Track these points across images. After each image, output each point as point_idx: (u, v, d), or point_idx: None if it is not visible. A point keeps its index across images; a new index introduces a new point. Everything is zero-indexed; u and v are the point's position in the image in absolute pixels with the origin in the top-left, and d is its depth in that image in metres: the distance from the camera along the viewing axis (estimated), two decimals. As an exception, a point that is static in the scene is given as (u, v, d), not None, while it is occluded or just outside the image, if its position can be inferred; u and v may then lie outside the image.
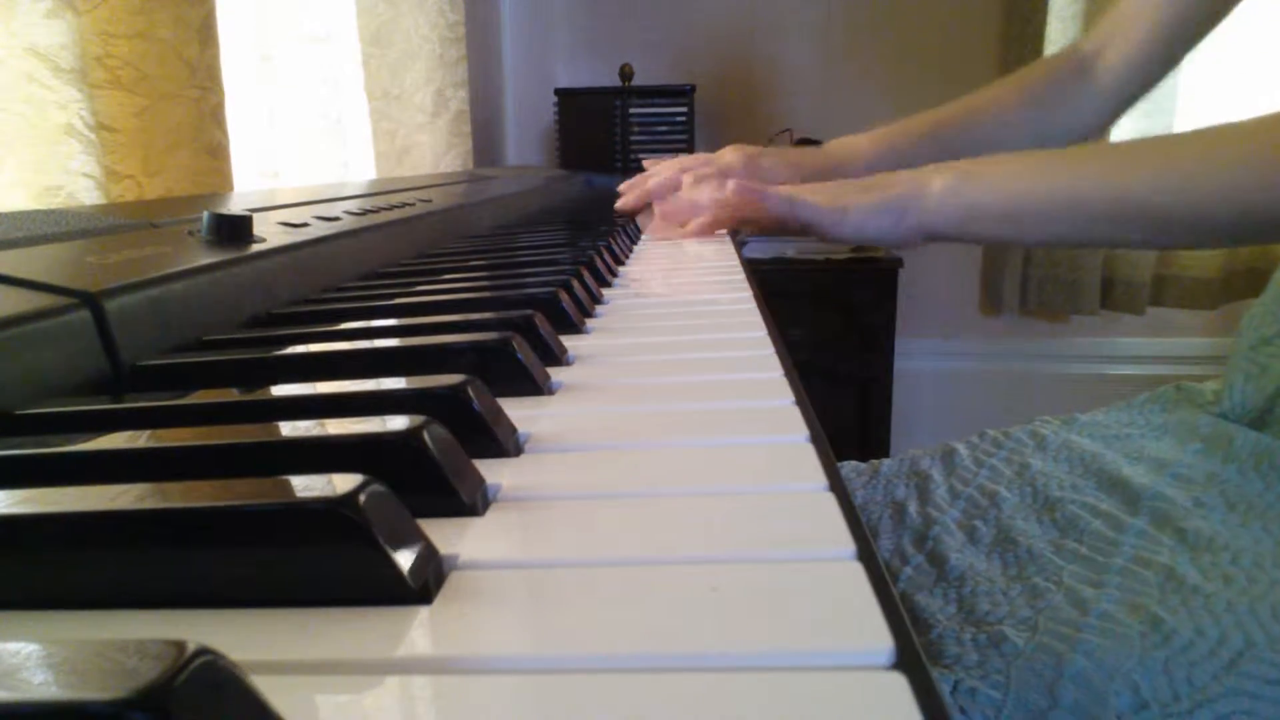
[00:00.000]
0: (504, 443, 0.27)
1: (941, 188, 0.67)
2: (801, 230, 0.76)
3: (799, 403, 0.31)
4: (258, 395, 0.29)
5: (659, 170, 0.99)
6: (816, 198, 0.73)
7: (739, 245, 0.81)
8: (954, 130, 0.89)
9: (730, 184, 0.79)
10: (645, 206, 1.01)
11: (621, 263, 0.71)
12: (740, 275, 0.61)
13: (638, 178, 1.03)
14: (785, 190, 0.75)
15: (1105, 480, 0.59)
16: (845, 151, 0.95)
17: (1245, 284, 1.99)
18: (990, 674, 0.45)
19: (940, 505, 0.62)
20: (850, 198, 0.72)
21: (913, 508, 0.63)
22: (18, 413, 0.28)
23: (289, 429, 0.25)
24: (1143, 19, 0.79)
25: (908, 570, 0.56)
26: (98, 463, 0.24)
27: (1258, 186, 0.52)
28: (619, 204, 1.01)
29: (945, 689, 0.45)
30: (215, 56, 0.78)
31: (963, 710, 0.44)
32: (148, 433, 0.26)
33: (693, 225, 0.85)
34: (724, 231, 0.88)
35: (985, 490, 0.62)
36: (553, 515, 0.23)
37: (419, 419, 0.23)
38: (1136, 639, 0.43)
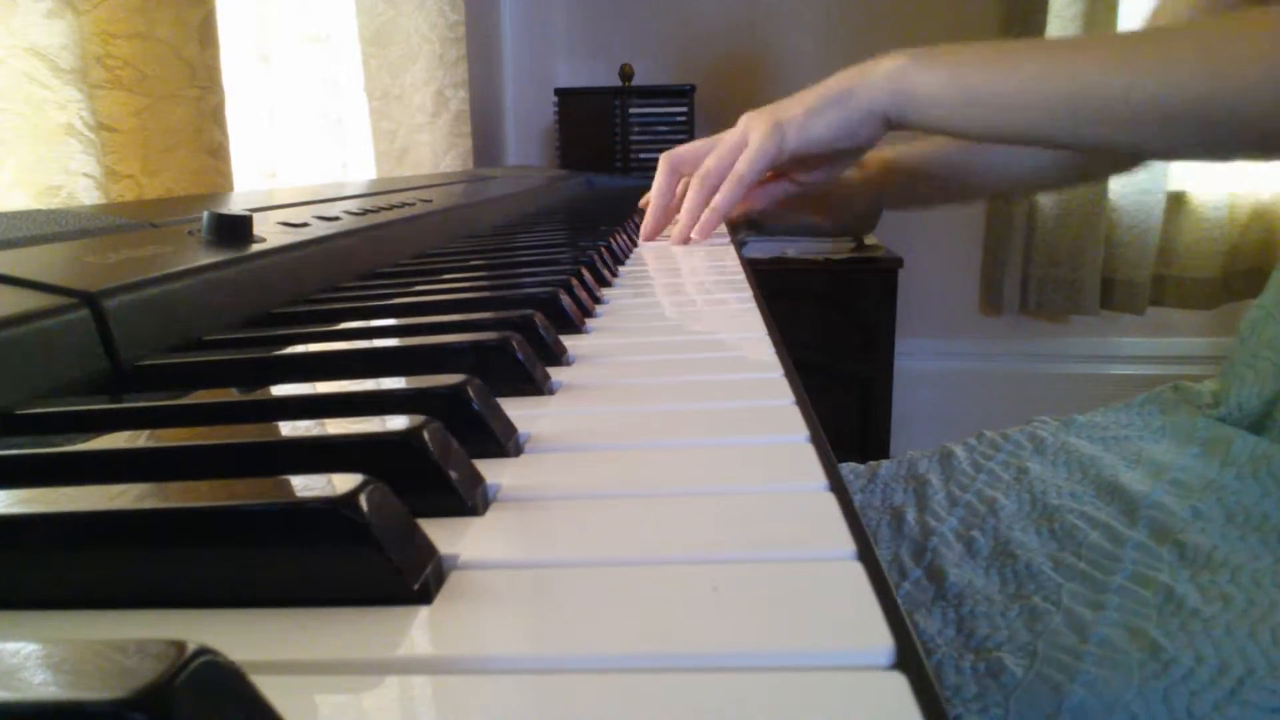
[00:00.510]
0: (504, 443, 0.27)
1: (892, 66, 0.63)
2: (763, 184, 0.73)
3: (799, 403, 0.31)
4: (257, 395, 0.29)
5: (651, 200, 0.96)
6: (755, 141, 0.68)
7: (739, 245, 0.81)
8: None
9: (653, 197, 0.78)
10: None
11: (621, 262, 0.71)
12: (740, 275, 0.61)
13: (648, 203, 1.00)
14: (700, 172, 0.72)
15: (1103, 487, 0.58)
16: None
17: (1245, 284, 1.99)
18: (989, 707, 0.44)
19: (938, 513, 0.61)
20: (782, 112, 0.67)
21: (911, 515, 0.62)
22: (18, 413, 0.28)
23: (289, 429, 0.24)
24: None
25: (906, 586, 0.55)
26: (98, 463, 0.24)
27: (1212, 76, 0.51)
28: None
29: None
30: (215, 56, 0.78)
31: None
32: (147, 433, 0.26)
33: (675, 234, 0.80)
34: (725, 233, 0.87)
35: (983, 497, 0.61)
36: (553, 515, 0.23)
37: (419, 418, 0.23)
38: (1135, 668, 0.43)
